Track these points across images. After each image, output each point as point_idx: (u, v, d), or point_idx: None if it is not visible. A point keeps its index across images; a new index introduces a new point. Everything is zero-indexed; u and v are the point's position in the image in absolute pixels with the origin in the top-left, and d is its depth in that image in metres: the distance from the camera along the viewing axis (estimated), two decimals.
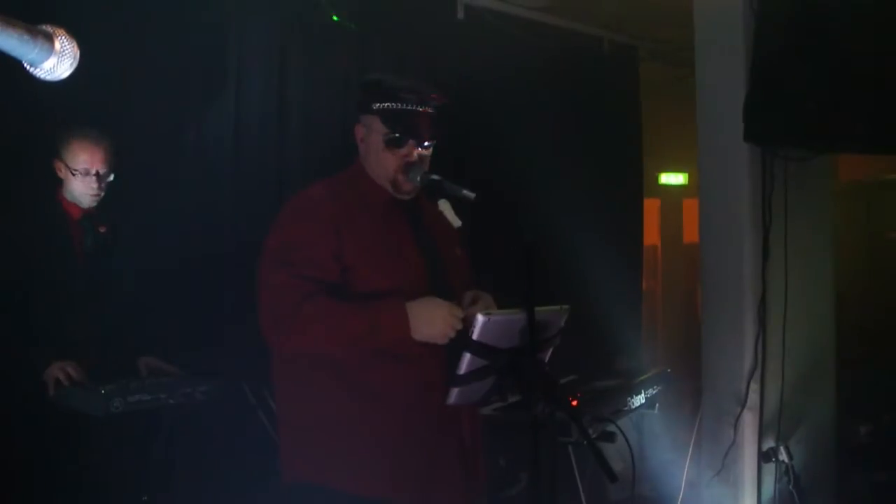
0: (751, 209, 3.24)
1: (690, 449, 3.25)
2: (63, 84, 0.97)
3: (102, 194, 2.79)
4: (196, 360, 2.92)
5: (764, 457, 3.21)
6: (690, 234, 7.87)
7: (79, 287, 2.74)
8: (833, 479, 3.59)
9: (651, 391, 3.12)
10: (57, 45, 0.87)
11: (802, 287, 3.33)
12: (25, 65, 0.88)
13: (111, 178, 2.79)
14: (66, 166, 2.75)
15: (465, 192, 2.04)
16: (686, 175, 7.40)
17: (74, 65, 0.89)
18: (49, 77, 0.89)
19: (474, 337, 1.63)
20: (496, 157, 4.11)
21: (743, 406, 3.23)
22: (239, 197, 3.45)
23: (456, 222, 2.08)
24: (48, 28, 0.87)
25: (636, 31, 4.99)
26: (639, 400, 2.98)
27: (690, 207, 7.81)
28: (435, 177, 2.06)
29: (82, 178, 2.74)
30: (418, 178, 2.04)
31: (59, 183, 2.79)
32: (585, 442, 1.84)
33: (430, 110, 2.07)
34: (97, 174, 2.74)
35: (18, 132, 2.84)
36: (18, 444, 2.56)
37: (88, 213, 2.81)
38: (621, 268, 4.58)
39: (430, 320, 1.78)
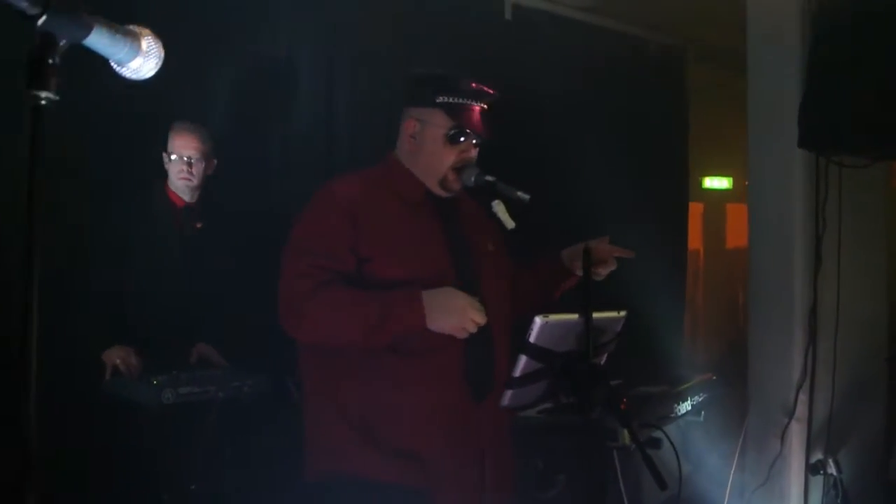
0: (803, 216, 3.17)
1: (735, 458, 3.20)
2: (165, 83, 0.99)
3: (194, 182, 2.96)
4: (242, 352, 2.97)
5: (811, 469, 3.15)
6: (734, 239, 7.76)
7: (170, 272, 2.88)
8: (882, 495, 3.51)
9: (697, 398, 3.08)
10: (143, 44, 0.89)
11: (855, 296, 3.26)
12: (112, 63, 0.89)
13: (203, 165, 2.95)
14: (166, 154, 2.95)
15: (519, 193, 2.04)
16: (730, 179, 7.29)
17: (159, 65, 0.91)
18: (134, 76, 0.90)
19: (531, 339, 1.63)
20: (540, 157, 4.09)
21: (791, 417, 3.17)
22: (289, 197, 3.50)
23: (509, 224, 2.08)
24: (135, 28, 0.89)
25: (683, 33, 4.93)
26: (685, 407, 2.95)
27: (734, 212, 7.71)
28: (489, 178, 2.06)
29: (175, 162, 2.92)
30: (472, 179, 2.04)
31: (166, 174, 2.93)
32: (635, 447, 1.82)
33: (487, 107, 2.07)
34: (188, 160, 2.92)
35: (141, 125, 2.98)
36: (72, 428, 2.62)
37: (189, 207, 2.96)
38: (665, 273, 4.52)
39: (448, 310, 1.76)
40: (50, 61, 0.75)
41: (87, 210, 2.87)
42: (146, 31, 0.88)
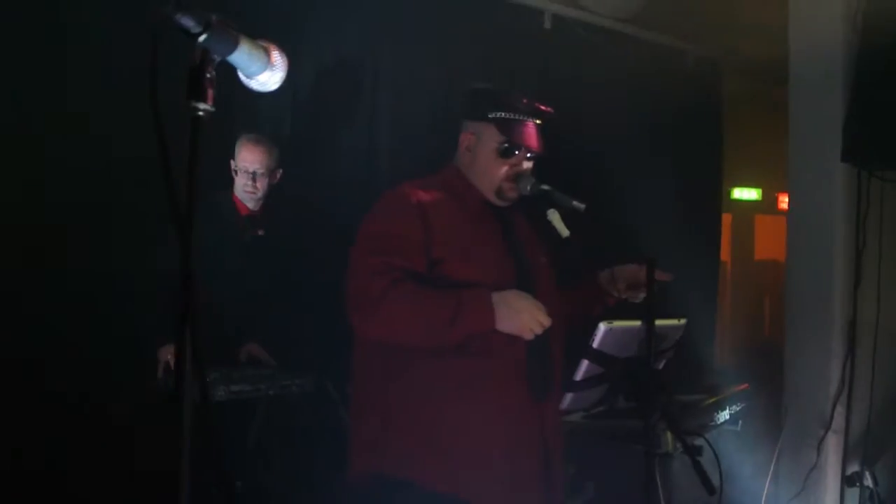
0: (844, 230, 3.20)
1: (771, 468, 3.22)
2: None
3: (258, 195, 3.04)
4: (289, 353, 3.04)
5: (847, 481, 3.17)
6: (762, 250, 7.74)
7: (228, 276, 2.90)
8: None
9: (735, 407, 3.10)
10: (273, 58, 0.94)
11: (894, 310, 3.28)
12: (242, 76, 0.95)
13: (267, 179, 3.02)
14: (234, 164, 3.03)
15: (575, 202, 2.08)
16: (759, 191, 7.29)
17: (283, 78, 0.97)
18: (261, 88, 0.96)
19: (594, 345, 1.67)
20: (576, 167, 4.13)
21: (827, 429, 3.19)
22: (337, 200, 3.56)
23: (564, 232, 2.12)
24: (264, 43, 0.95)
25: (720, 44, 4.96)
26: (723, 416, 2.97)
27: (763, 223, 7.69)
28: (545, 187, 2.10)
29: (241, 175, 3.01)
30: (528, 188, 2.09)
31: (232, 181, 3.02)
32: (677, 454, 1.86)
33: (539, 122, 2.13)
34: (252, 174, 2.99)
35: (215, 133, 3.06)
36: (122, 422, 2.69)
37: (251, 215, 3.04)
38: (699, 283, 4.55)
39: (516, 311, 1.80)
40: (207, 75, 0.81)
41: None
42: (273, 45, 0.94)
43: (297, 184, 3.27)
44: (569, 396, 1.75)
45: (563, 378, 1.94)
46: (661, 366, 1.88)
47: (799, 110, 3.36)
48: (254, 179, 3.00)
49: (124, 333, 2.77)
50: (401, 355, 1.91)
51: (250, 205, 3.07)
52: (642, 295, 2.02)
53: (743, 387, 3.44)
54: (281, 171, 3.09)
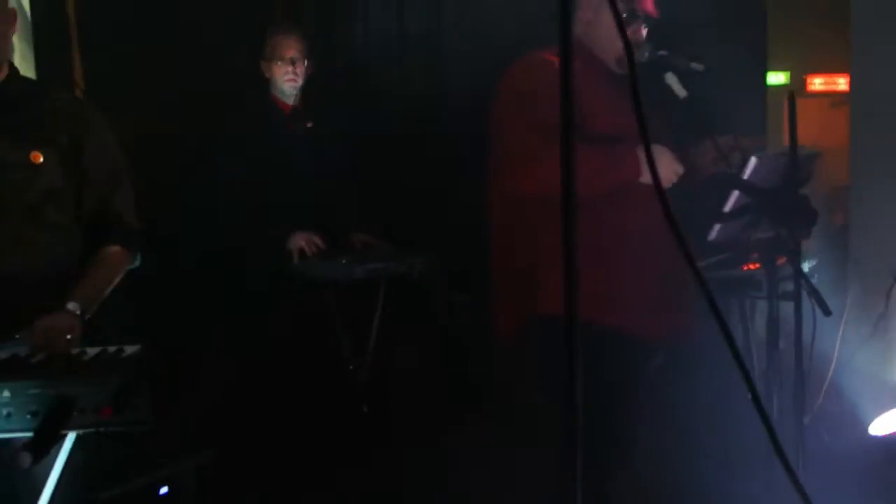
0: None
1: (844, 315, 3.48)
2: None
3: (299, 82, 3.10)
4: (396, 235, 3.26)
5: None
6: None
7: (296, 172, 3.10)
8: None
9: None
10: None
11: None
12: None
13: (304, 66, 3.08)
14: (267, 62, 3.08)
15: (693, 64, 2.26)
16: (787, 74, 7.33)
17: None
18: None
19: (746, 176, 1.88)
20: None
21: (895, 278, 3.45)
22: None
23: (682, 93, 2.30)
24: None
25: None
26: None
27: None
28: (663, 52, 2.28)
29: (279, 65, 3.06)
30: (646, 55, 2.26)
31: (268, 84, 3.12)
32: (804, 283, 2.09)
33: None
34: (291, 60, 3.05)
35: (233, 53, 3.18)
36: (266, 310, 2.94)
37: (296, 109, 3.15)
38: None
39: (659, 163, 1.99)
40: None
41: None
42: None
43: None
44: (717, 227, 1.98)
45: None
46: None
47: None
48: (293, 65, 3.05)
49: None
50: (553, 206, 2.10)
51: (291, 100, 3.11)
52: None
53: None
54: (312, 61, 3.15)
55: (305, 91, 3.17)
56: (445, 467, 2.84)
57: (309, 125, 3.17)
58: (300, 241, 2.94)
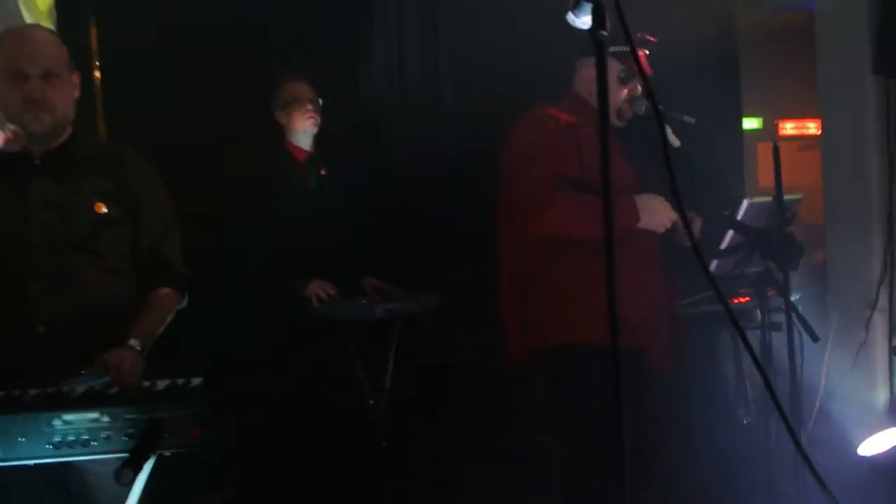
0: (876, 140, 3.63)
1: (828, 345, 3.70)
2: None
3: (319, 120, 3.22)
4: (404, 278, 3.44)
5: (894, 351, 3.67)
6: (765, 178, 8.21)
7: (311, 220, 3.26)
8: None
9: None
10: None
11: None
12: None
13: (319, 110, 3.22)
14: (282, 110, 3.22)
15: (685, 117, 2.52)
16: (760, 119, 7.70)
17: None
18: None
19: (739, 217, 2.11)
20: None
21: (873, 309, 3.68)
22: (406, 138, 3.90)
23: (675, 143, 2.55)
24: None
25: None
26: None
27: (765, 152, 8.15)
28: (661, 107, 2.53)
29: (297, 108, 3.19)
30: (643, 109, 2.51)
31: (282, 132, 3.30)
32: (793, 313, 2.31)
33: (648, 52, 2.55)
34: (309, 100, 3.19)
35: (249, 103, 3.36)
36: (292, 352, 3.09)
37: (311, 156, 3.32)
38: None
39: (654, 210, 2.27)
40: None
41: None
42: None
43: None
44: (714, 262, 2.20)
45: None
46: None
47: (826, 22, 3.72)
48: (312, 103, 3.17)
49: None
50: (560, 246, 2.33)
51: (307, 145, 3.22)
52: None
53: None
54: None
55: (317, 138, 3.31)
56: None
57: (322, 172, 3.33)
58: (315, 287, 3.10)
